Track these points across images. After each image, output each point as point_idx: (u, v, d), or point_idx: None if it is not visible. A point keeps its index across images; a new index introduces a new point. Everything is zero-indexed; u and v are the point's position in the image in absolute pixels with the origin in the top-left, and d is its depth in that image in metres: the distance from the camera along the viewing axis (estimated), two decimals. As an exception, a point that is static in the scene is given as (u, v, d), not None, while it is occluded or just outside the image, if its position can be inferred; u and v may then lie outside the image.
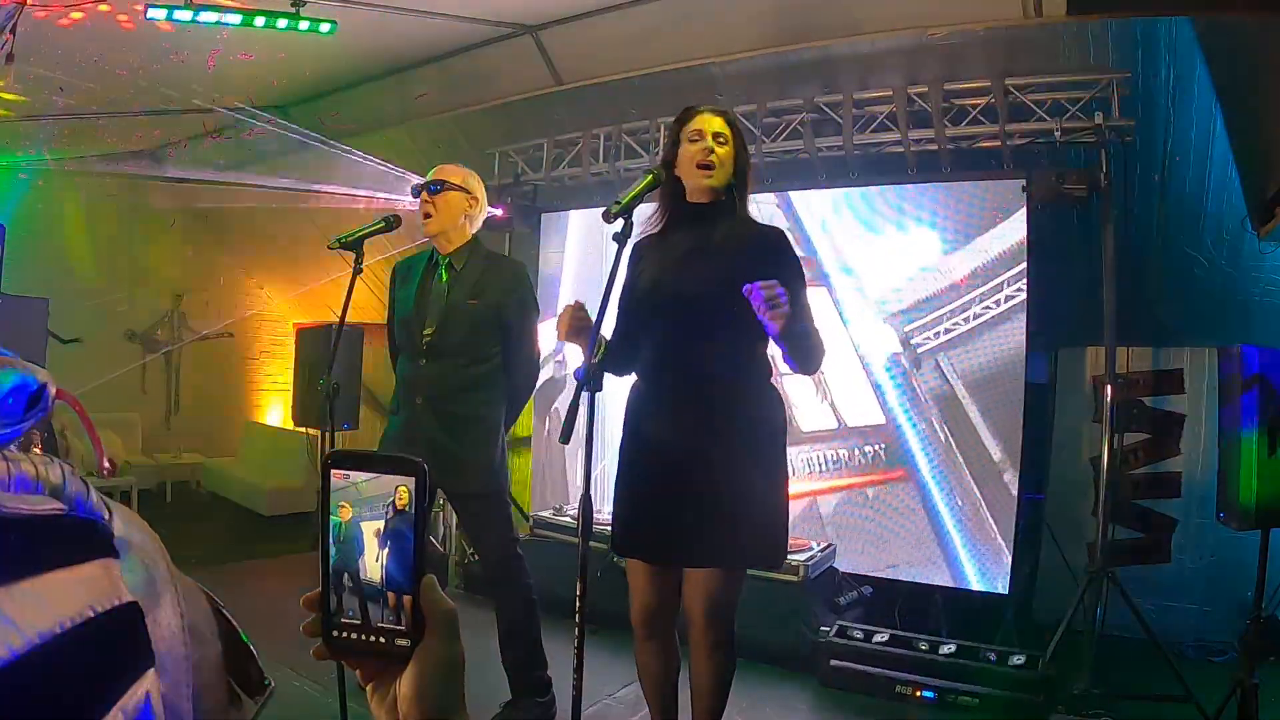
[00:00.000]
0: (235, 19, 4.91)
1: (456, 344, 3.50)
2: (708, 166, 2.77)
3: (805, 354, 2.71)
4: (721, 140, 2.80)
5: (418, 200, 3.60)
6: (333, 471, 0.80)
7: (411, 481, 0.79)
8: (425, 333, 3.51)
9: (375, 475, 0.79)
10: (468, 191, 3.57)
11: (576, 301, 2.73)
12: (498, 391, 3.59)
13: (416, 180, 3.73)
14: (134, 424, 8.73)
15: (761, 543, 2.75)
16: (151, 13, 4.79)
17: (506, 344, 3.58)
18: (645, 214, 2.83)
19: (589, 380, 2.34)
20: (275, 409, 10.03)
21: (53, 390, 0.65)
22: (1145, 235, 4.94)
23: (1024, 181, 4.67)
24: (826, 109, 5.32)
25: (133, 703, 0.58)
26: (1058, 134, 4.64)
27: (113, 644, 0.59)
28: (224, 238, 9.46)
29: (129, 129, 7.08)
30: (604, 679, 4.07)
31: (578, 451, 5.18)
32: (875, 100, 5.19)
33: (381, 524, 0.79)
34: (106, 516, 0.64)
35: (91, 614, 0.57)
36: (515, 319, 3.57)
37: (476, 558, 3.79)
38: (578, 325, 2.67)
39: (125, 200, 8.01)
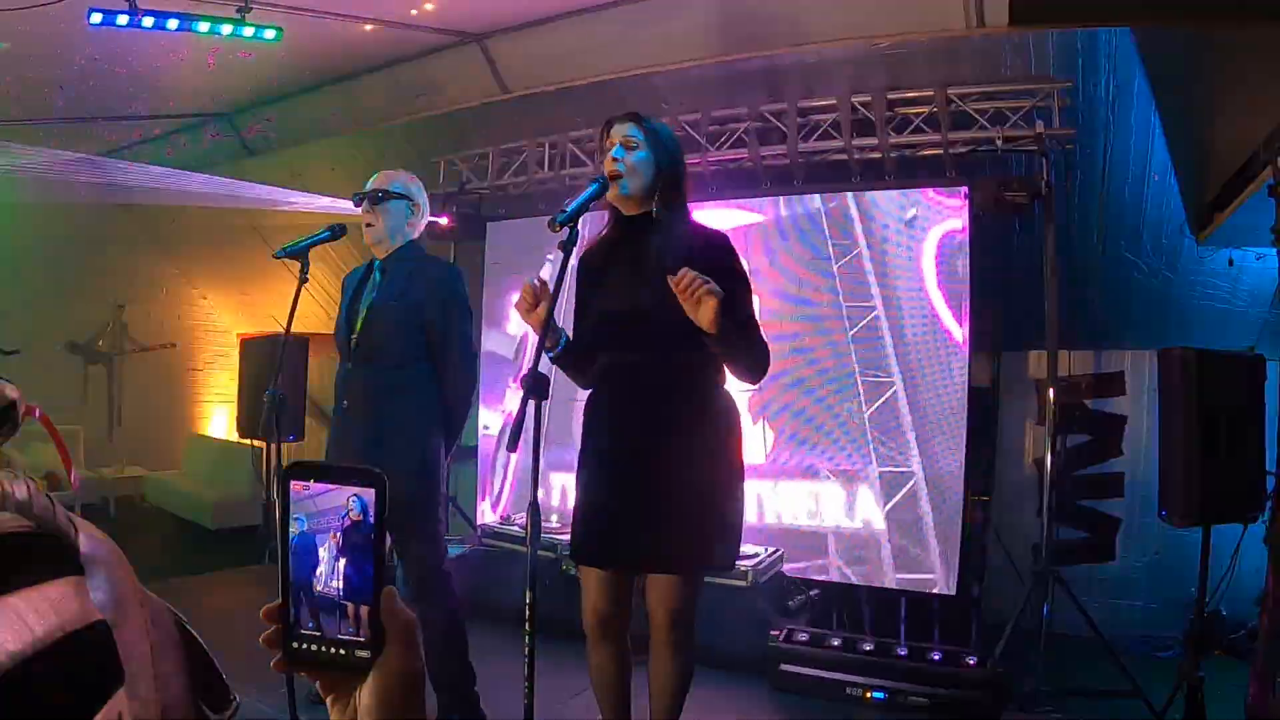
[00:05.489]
0: (175, 24, 4.82)
1: (379, 346, 3.41)
2: (615, 176, 2.71)
3: (738, 362, 2.70)
4: (632, 145, 2.73)
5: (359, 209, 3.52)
6: (292, 483, 0.78)
7: (371, 493, 0.77)
8: (352, 336, 3.46)
9: (334, 486, 0.78)
10: (409, 199, 3.51)
11: (537, 278, 2.60)
12: (428, 397, 3.45)
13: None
14: (75, 437, 8.53)
15: (715, 545, 2.74)
16: (94, 18, 4.70)
17: (433, 346, 3.44)
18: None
19: (534, 388, 2.31)
20: (219, 420, 9.86)
21: (22, 406, 0.63)
22: (1086, 241, 5.02)
23: (966, 189, 4.73)
24: (771, 117, 5.36)
25: None
26: (999, 142, 4.71)
27: (84, 666, 0.58)
28: (166, 247, 9.29)
29: (75, 136, 6.96)
30: (555, 687, 4.05)
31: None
32: (819, 109, 5.23)
33: (340, 535, 0.77)
34: (73, 533, 0.63)
35: (61, 635, 0.56)
36: (438, 318, 3.41)
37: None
38: (528, 304, 2.58)
39: (66, 206, 7.84)
